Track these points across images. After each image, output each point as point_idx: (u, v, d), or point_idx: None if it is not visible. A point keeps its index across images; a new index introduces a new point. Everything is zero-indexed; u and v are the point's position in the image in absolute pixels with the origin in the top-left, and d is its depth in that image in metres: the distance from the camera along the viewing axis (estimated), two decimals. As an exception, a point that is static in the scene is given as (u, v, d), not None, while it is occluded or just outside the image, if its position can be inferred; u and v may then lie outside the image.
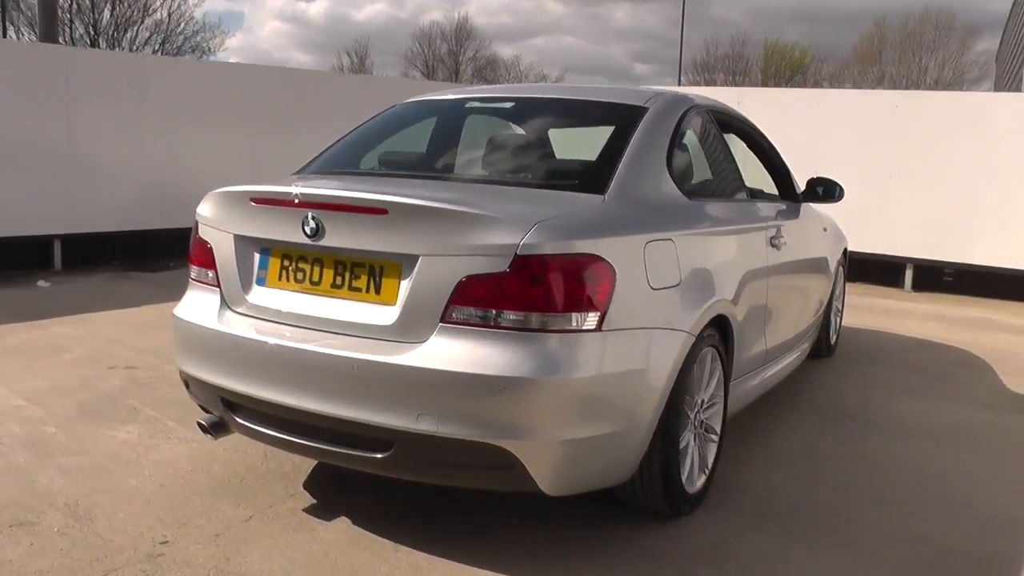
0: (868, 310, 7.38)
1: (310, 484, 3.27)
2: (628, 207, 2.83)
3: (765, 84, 41.79)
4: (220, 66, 9.61)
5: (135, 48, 33.38)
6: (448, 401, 2.43)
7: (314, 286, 2.72)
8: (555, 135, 3.73)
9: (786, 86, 39.45)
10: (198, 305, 2.99)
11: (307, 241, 2.66)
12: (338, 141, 3.65)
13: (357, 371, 2.51)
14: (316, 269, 2.72)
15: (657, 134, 3.17)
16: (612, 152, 3.06)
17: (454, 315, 2.46)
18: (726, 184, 3.71)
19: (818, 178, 4.50)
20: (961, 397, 4.85)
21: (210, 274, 2.98)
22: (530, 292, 2.41)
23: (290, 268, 2.77)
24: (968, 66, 41.33)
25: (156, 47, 34.31)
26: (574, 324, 2.45)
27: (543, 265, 2.41)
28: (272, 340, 2.69)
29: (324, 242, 2.63)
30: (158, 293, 6.94)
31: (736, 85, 40.60)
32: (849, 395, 4.80)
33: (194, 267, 3.09)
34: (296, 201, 2.66)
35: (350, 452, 2.62)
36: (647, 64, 64.95)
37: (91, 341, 5.36)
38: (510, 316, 2.42)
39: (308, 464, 3.42)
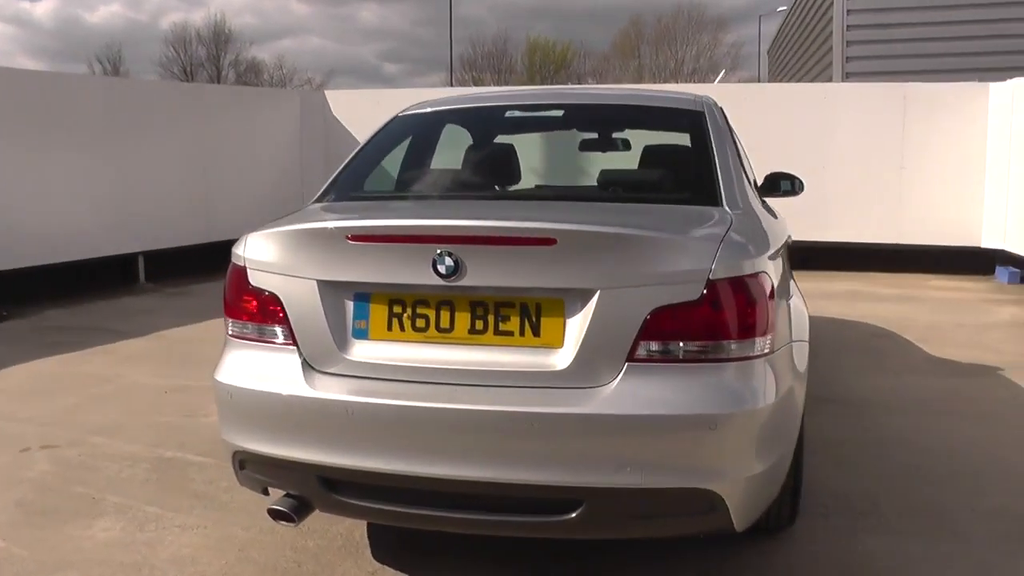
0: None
1: (383, 555, 2.82)
2: (748, 218, 2.67)
3: (531, 80, 43.13)
4: (26, 75, 8.29)
5: None
6: (652, 448, 2.17)
7: (443, 334, 2.30)
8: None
9: (551, 82, 40.88)
10: (262, 369, 2.45)
11: (438, 282, 2.24)
12: (356, 160, 3.17)
13: (536, 426, 2.16)
14: (445, 314, 2.30)
15: (724, 138, 3.03)
16: (701, 160, 2.89)
17: (642, 352, 2.19)
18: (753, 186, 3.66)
19: (776, 173, 4.56)
20: (907, 369, 5.15)
21: (274, 330, 2.46)
22: (723, 318, 2.20)
23: (404, 316, 2.33)
24: (721, 57, 45.49)
25: None
26: (758, 349, 2.27)
27: (734, 288, 2.22)
28: (404, 402, 2.25)
29: (465, 281, 2.23)
30: (11, 352, 5.84)
31: (503, 83, 41.56)
32: (815, 379, 4.93)
33: (243, 323, 2.53)
34: (425, 235, 2.26)
35: (524, 519, 2.26)
36: (397, 64, 64.21)
37: (-28, 420, 4.39)
38: (703, 346, 2.20)
39: (357, 532, 2.96)
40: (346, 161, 3.18)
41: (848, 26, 12.08)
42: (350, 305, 2.37)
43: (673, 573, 2.70)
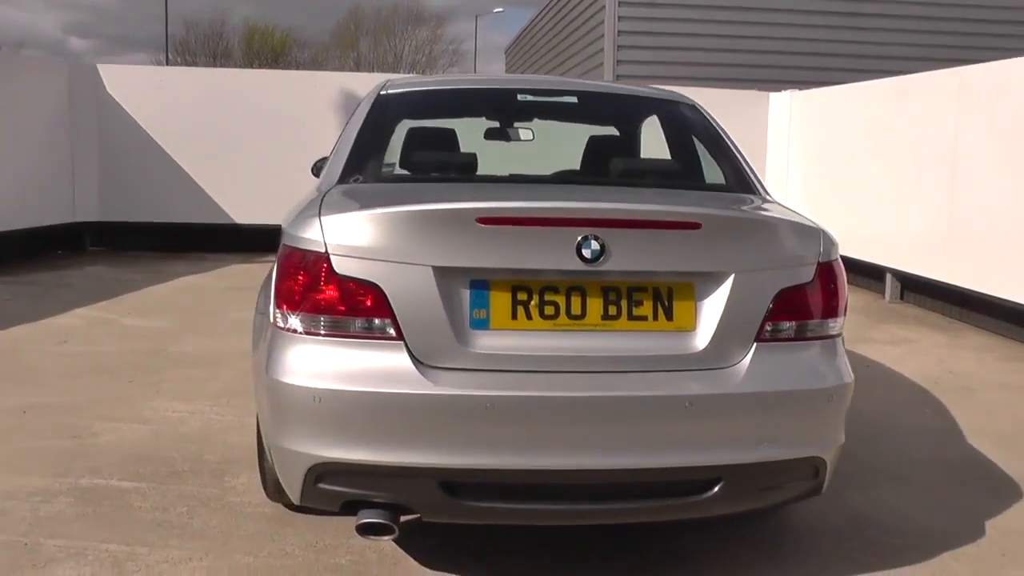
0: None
1: (428, 562, 2.63)
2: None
3: (249, 65, 41.71)
4: None
5: None
6: (783, 422, 2.32)
7: (575, 321, 2.24)
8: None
9: (270, 68, 39.73)
10: (358, 367, 2.21)
11: (579, 267, 2.18)
12: (362, 139, 2.88)
13: (689, 409, 2.21)
14: (576, 300, 2.24)
15: (723, 129, 3.19)
16: (723, 151, 3.06)
17: (767, 332, 2.32)
18: None
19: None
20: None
21: (370, 323, 2.22)
22: (825, 298, 2.40)
23: (530, 303, 2.23)
24: (440, 53, 46.84)
25: None
26: (840, 326, 2.49)
27: (832, 270, 2.43)
28: (547, 393, 2.17)
29: (607, 266, 2.19)
30: None
31: (220, 66, 39.65)
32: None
33: (319, 316, 2.24)
34: (573, 218, 2.21)
35: (666, 503, 2.30)
36: (86, 39, 57.46)
37: None
38: (814, 324, 2.39)
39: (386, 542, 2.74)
40: (351, 140, 2.89)
41: (620, 31, 12.92)
42: (466, 293, 2.22)
43: (707, 534, 2.81)
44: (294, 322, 2.27)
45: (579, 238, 2.17)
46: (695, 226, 2.26)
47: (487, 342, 2.22)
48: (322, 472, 2.24)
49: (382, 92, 3.16)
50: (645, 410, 2.21)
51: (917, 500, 3.21)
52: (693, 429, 2.23)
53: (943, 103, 6.52)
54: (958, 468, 3.55)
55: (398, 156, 3.22)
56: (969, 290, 6.26)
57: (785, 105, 9.34)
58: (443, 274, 2.20)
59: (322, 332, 2.24)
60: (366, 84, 9.60)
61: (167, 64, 35.63)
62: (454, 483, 2.21)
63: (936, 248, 6.62)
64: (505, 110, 3.52)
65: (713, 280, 2.28)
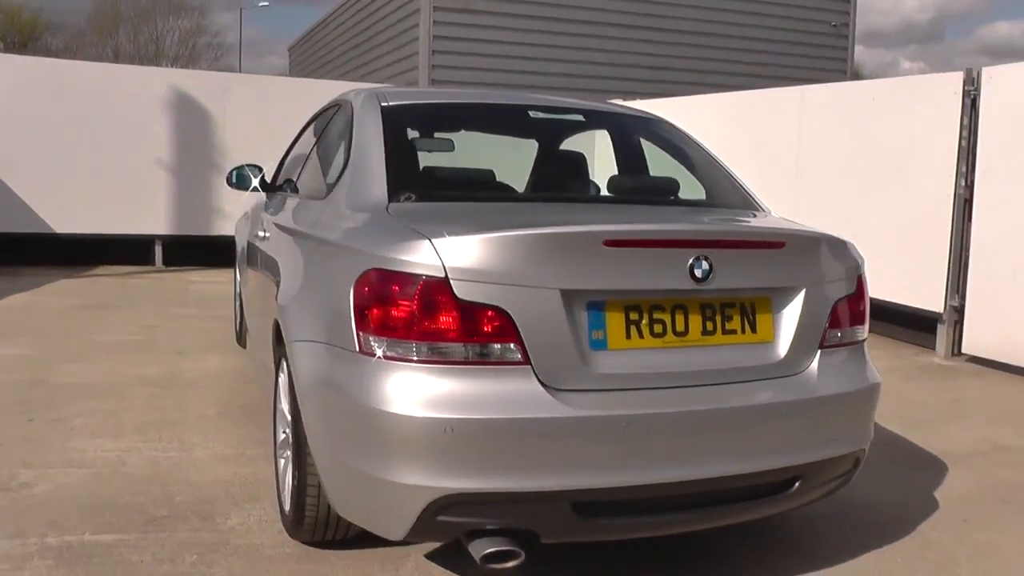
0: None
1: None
2: None
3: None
4: None
5: None
6: (846, 419, 2.59)
7: (679, 337, 2.36)
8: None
9: (21, 53, 36.01)
10: (485, 394, 2.16)
11: (691, 286, 2.31)
12: (394, 156, 2.77)
13: (784, 414, 2.42)
14: (680, 317, 2.36)
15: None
16: (714, 166, 3.27)
17: (826, 339, 2.57)
18: None
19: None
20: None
21: (493, 349, 2.18)
22: (860, 307, 2.70)
23: (641, 322, 2.32)
24: (204, 47, 44.51)
25: None
26: (867, 330, 2.80)
27: (865, 281, 2.74)
28: (671, 410, 2.29)
29: (714, 285, 2.33)
30: None
31: None
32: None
33: (435, 344, 2.17)
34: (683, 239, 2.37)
35: (757, 503, 2.48)
36: None
37: None
38: (853, 331, 2.68)
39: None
40: (379, 155, 2.76)
41: (435, 36, 12.92)
42: (585, 315, 2.27)
43: (726, 533, 2.98)
44: (403, 350, 2.18)
45: (691, 259, 2.29)
46: (780, 245, 2.50)
47: (608, 362, 2.28)
48: (445, 504, 2.17)
49: (384, 104, 3.04)
50: (753, 418, 2.40)
51: (874, 480, 3.55)
52: (786, 432, 2.44)
53: (788, 114, 7.35)
54: (889, 449, 4.01)
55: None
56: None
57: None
58: (568, 296, 2.23)
59: (441, 359, 2.17)
60: (199, 83, 9.17)
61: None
62: (586, 503, 2.23)
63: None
64: (513, 127, 3.53)
65: (788, 294, 2.50)
